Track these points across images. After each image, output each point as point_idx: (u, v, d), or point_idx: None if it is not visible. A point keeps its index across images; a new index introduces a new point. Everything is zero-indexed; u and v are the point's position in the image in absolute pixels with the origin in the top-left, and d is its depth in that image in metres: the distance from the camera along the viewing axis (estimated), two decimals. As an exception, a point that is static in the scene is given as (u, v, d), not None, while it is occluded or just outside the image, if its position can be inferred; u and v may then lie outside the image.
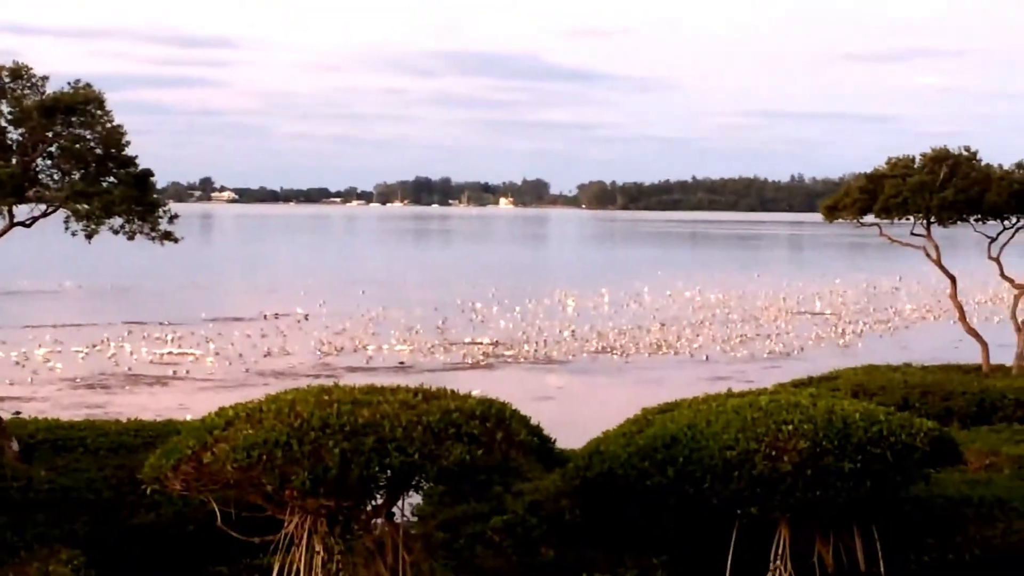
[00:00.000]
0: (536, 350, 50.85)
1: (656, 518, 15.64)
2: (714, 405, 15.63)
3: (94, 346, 48.83)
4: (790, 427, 14.45)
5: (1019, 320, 32.57)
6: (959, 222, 31.88)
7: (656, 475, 14.65)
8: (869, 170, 32.22)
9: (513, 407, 13.69)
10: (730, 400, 15.85)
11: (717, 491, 14.36)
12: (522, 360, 48.14)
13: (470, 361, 47.22)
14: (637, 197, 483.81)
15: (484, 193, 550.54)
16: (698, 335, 56.78)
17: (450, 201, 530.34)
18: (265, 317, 61.84)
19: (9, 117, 18.74)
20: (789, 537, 14.94)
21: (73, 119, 18.65)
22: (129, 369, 43.52)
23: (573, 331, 57.06)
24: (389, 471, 12.34)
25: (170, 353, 47.85)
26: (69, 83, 18.85)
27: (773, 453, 14.24)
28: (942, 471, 17.71)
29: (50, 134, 18.60)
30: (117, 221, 18.95)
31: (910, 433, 14.80)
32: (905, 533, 15.63)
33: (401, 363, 46.19)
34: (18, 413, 28.72)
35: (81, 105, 18.53)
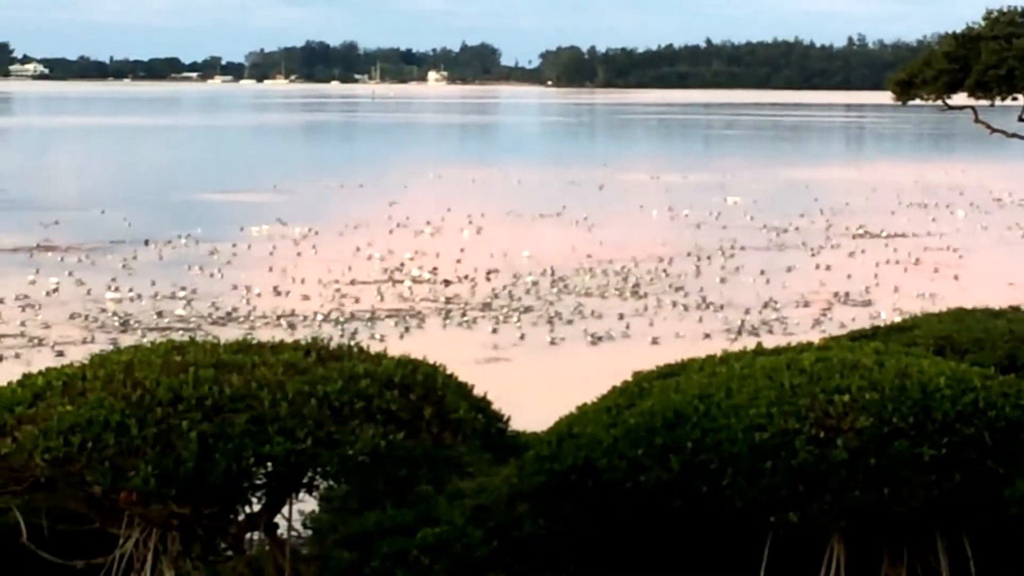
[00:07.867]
0: (475, 289, 50.94)
1: (654, 528, 15.78)
2: (737, 367, 15.71)
3: None
4: (846, 398, 14.52)
5: None
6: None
7: (654, 467, 14.73)
8: (960, 29, 32.29)
9: (447, 371, 13.73)
10: (759, 360, 15.94)
11: (741, 490, 14.46)
12: (456, 306, 48.12)
13: (385, 308, 47.16)
14: (626, 70, 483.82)
15: (405, 65, 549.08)
16: (719, 266, 57.04)
17: (356, 76, 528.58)
18: (46, 250, 61.54)
19: None
20: (845, 554, 15.11)
21: None
22: None
23: (544, 273, 57.12)
24: (269, 463, 12.35)
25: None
26: None
27: (822, 435, 14.32)
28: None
29: None
30: None
31: (1018, 404, 14.95)
32: (1012, 548, 15.83)
33: (291, 313, 46.06)
34: None
35: None
